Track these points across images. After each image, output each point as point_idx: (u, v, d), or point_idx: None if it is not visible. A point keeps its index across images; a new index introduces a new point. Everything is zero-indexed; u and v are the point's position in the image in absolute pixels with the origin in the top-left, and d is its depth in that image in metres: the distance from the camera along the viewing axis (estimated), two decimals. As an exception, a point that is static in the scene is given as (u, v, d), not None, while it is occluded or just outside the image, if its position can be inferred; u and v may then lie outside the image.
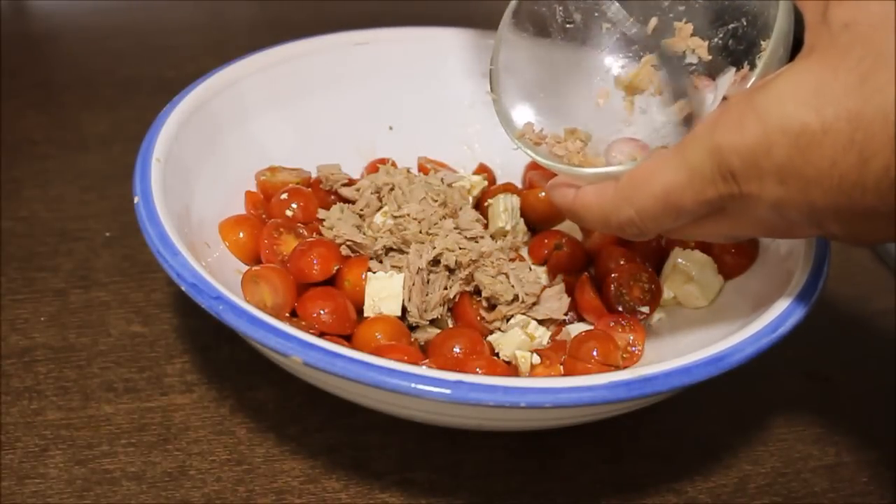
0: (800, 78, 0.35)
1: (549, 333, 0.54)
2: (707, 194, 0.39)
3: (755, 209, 0.38)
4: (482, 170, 0.65)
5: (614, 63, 0.51)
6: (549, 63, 0.51)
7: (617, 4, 0.50)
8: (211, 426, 0.51)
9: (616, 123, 0.50)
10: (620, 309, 0.54)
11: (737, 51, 0.45)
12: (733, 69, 0.42)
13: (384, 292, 0.52)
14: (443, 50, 0.67)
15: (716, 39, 0.46)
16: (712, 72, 0.46)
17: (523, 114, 0.50)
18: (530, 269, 0.55)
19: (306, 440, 0.50)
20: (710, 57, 0.46)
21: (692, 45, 0.47)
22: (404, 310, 0.52)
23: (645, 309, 0.55)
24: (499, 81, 0.49)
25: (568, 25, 0.50)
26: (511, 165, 0.66)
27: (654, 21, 0.49)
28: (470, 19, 0.69)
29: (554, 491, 0.49)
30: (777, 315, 0.45)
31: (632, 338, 0.52)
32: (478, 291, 0.53)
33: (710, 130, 0.38)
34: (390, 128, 0.66)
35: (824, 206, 0.36)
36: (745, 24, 0.44)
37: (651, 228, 0.42)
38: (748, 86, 0.39)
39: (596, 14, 0.51)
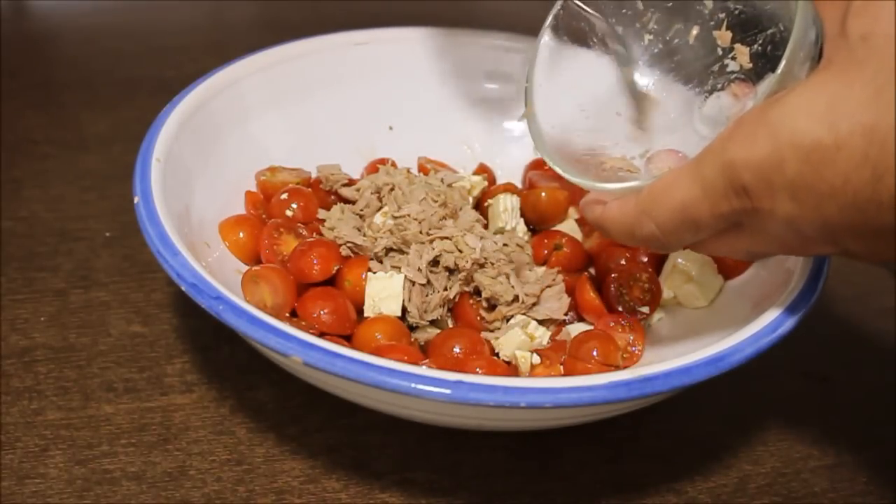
0: (814, 92, 0.35)
1: (549, 333, 0.54)
2: (721, 208, 0.38)
3: (770, 225, 0.38)
4: (482, 170, 0.65)
5: (653, 76, 0.50)
6: (586, 78, 0.50)
7: (659, 14, 0.49)
8: (211, 426, 0.51)
9: (658, 135, 0.49)
10: (620, 309, 0.54)
11: (775, 57, 0.44)
12: (772, 75, 0.41)
13: (384, 292, 0.52)
14: (443, 50, 0.67)
15: (755, 46, 0.45)
16: (753, 79, 0.46)
17: (559, 132, 0.48)
18: (530, 269, 0.55)
19: (306, 440, 0.50)
20: (750, 64, 0.45)
21: (734, 52, 0.46)
22: (404, 310, 0.52)
23: (645, 309, 0.55)
24: (533, 99, 0.48)
25: (608, 39, 0.50)
26: (511, 165, 0.66)
27: (695, 30, 0.48)
28: (470, 19, 0.69)
29: (554, 491, 0.49)
30: (777, 315, 0.45)
31: (632, 338, 0.52)
32: (478, 292, 0.53)
33: (724, 144, 0.37)
34: (390, 128, 0.66)
35: (839, 223, 0.36)
36: (781, 29, 0.44)
37: (672, 242, 0.42)
38: (757, 93, 0.39)
39: (638, 26, 0.50)
